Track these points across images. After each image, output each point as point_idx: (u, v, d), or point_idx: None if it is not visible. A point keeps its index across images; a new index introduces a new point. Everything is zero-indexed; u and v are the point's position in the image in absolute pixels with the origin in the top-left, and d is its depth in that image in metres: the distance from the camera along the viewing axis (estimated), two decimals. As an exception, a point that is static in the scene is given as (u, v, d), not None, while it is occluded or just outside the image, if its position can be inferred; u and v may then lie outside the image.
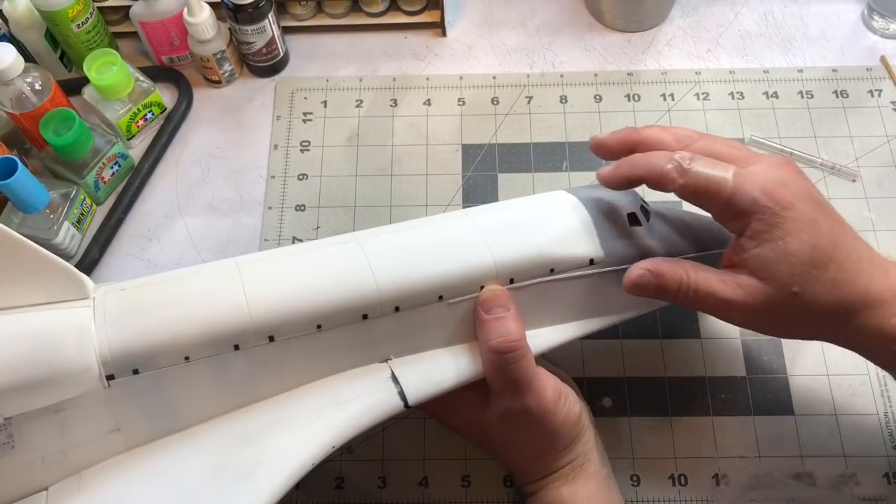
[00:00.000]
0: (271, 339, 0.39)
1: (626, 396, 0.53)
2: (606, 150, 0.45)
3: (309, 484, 0.51)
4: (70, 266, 0.39)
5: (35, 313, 0.37)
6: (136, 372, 0.38)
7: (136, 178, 0.62)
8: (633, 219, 0.45)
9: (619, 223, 0.45)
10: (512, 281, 0.43)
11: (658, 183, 0.41)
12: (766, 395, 0.53)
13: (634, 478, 0.51)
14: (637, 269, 0.42)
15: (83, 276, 0.39)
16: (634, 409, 0.53)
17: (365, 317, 0.41)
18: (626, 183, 0.43)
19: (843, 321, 0.40)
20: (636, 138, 0.44)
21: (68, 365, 0.36)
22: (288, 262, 0.42)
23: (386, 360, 0.42)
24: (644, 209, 0.46)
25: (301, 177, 0.63)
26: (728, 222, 0.41)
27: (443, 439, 0.52)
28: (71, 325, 0.37)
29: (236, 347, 0.39)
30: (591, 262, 0.44)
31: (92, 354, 0.37)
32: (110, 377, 0.37)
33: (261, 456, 0.38)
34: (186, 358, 0.38)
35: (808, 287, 0.39)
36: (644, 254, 0.44)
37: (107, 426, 0.38)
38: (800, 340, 0.54)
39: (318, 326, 0.40)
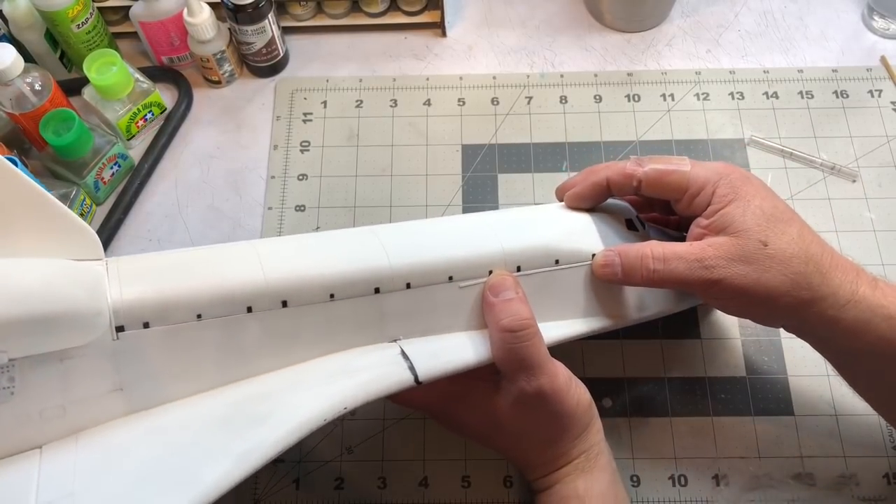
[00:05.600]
0: (284, 304, 0.39)
1: (626, 396, 0.53)
2: (580, 201, 0.48)
3: (309, 484, 0.51)
4: (87, 226, 0.38)
5: (49, 259, 0.37)
6: (146, 325, 0.37)
7: (136, 179, 0.62)
8: (630, 224, 0.48)
9: (619, 227, 0.47)
10: (519, 269, 0.44)
11: (622, 179, 0.44)
12: (766, 395, 0.53)
13: (634, 478, 0.51)
14: (602, 252, 0.45)
15: (98, 239, 0.39)
16: (634, 409, 0.53)
17: (377, 290, 0.41)
18: (595, 190, 0.46)
19: (814, 281, 0.41)
20: (594, 178, 0.47)
21: (79, 308, 0.35)
22: (302, 241, 0.43)
23: (395, 341, 0.43)
24: (639, 219, 0.49)
25: (301, 177, 0.63)
26: (691, 203, 0.43)
27: (443, 439, 0.52)
28: (85, 272, 0.37)
29: (249, 310, 0.39)
30: (594, 256, 0.45)
31: (104, 300, 0.36)
32: (120, 329, 0.37)
33: (272, 409, 0.38)
34: (199, 316, 0.38)
35: (775, 237, 0.41)
36: None
37: (110, 384, 0.38)
38: (799, 340, 0.54)
39: (332, 296, 0.40)
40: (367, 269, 0.41)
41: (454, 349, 0.43)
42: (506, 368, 0.42)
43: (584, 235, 0.45)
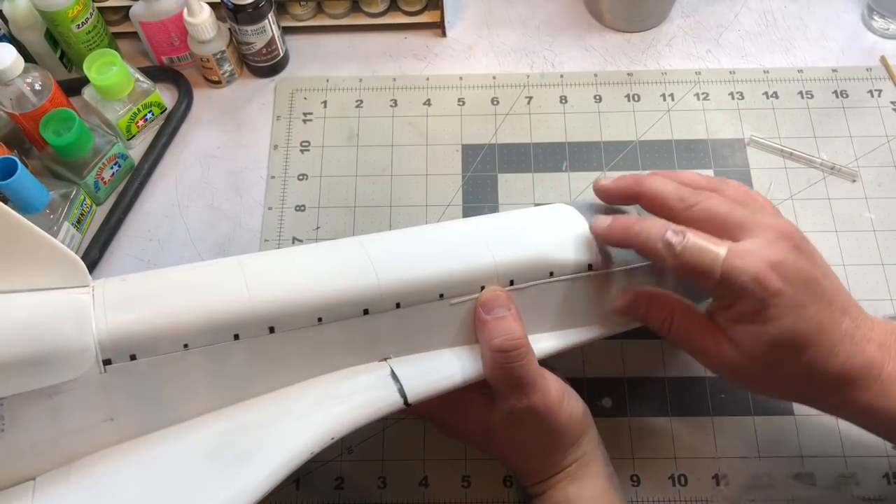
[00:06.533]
0: (272, 330, 0.39)
1: (626, 396, 0.53)
2: (609, 197, 0.46)
3: (309, 484, 0.51)
4: (71, 252, 0.38)
5: (33, 294, 0.37)
6: (133, 358, 0.37)
7: (136, 179, 0.62)
8: None
9: None
10: (512, 283, 0.43)
11: (650, 257, 0.42)
12: (766, 395, 0.53)
13: (634, 478, 0.51)
14: (630, 294, 0.44)
15: (83, 264, 0.39)
16: (634, 409, 0.53)
17: (366, 312, 0.41)
18: (619, 245, 0.44)
19: (813, 396, 0.42)
20: (637, 190, 0.44)
21: (65, 344, 0.36)
22: (289, 258, 0.42)
23: (385, 360, 0.42)
24: None
25: (301, 177, 0.63)
26: (716, 300, 0.42)
27: (443, 439, 0.52)
28: (70, 305, 0.37)
29: (236, 337, 0.39)
30: (590, 267, 0.44)
31: (90, 335, 0.36)
32: (107, 362, 0.37)
33: (259, 443, 0.38)
34: (185, 345, 0.38)
35: (781, 367, 0.40)
36: (638, 260, 0.45)
37: (100, 415, 0.38)
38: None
39: (319, 319, 0.40)
40: (355, 289, 0.40)
41: (445, 368, 0.42)
42: (497, 386, 0.42)
43: (580, 244, 0.44)
